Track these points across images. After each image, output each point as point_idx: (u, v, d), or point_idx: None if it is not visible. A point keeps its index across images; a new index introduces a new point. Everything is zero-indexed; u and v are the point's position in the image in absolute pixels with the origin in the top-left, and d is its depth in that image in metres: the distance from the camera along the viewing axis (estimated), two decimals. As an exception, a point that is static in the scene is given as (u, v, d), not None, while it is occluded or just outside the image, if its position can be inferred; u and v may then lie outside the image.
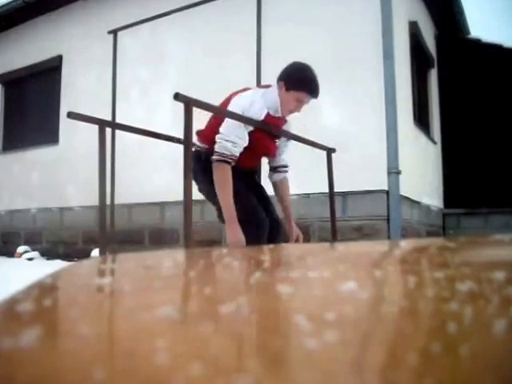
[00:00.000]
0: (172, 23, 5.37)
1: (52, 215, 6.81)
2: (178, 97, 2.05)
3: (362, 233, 4.62)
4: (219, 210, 2.43)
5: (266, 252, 0.65)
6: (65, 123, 6.40)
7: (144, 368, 0.21)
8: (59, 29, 6.93)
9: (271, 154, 2.71)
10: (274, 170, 2.82)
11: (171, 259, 0.59)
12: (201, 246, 4.92)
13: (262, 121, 2.47)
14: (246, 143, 2.41)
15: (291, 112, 2.56)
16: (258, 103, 2.46)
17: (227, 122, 2.38)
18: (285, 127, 2.69)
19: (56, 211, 6.77)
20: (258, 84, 3.36)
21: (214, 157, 2.34)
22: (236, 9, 5.10)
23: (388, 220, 4.55)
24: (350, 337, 0.25)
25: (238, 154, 2.37)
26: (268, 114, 2.49)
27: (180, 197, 2.17)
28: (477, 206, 6.72)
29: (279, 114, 2.55)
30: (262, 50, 3.59)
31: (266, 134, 2.56)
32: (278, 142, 2.70)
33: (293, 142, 2.81)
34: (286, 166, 2.83)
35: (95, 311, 0.34)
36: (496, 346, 0.24)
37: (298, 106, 2.51)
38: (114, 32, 5.02)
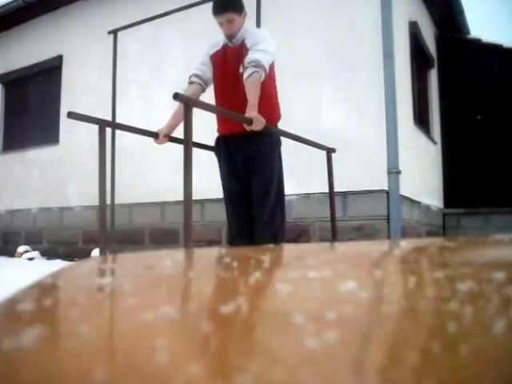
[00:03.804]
0: (172, 23, 5.37)
1: (52, 215, 6.80)
2: (177, 97, 2.05)
3: (361, 233, 4.62)
4: None
5: (266, 252, 0.65)
6: (65, 123, 6.39)
7: (144, 368, 0.21)
8: (59, 29, 6.93)
9: (236, 83, 2.65)
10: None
11: (171, 259, 0.59)
12: (201, 246, 4.92)
13: (219, 50, 2.85)
14: (203, 65, 2.86)
15: (225, 35, 2.80)
16: (216, 39, 2.90)
17: None
18: (250, 45, 2.71)
19: (56, 211, 6.77)
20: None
21: None
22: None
23: (388, 220, 4.55)
24: (350, 337, 0.25)
25: (197, 72, 2.86)
26: (225, 45, 2.84)
27: (180, 197, 2.17)
28: (477, 205, 6.71)
29: (231, 42, 2.81)
30: (262, 49, 3.58)
31: (225, 58, 2.81)
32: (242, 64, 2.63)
33: (262, 39, 2.70)
34: (251, 62, 2.57)
35: (95, 311, 0.34)
36: (496, 345, 0.24)
37: (221, 27, 2.80)
38: (114, 32, 5.03)
